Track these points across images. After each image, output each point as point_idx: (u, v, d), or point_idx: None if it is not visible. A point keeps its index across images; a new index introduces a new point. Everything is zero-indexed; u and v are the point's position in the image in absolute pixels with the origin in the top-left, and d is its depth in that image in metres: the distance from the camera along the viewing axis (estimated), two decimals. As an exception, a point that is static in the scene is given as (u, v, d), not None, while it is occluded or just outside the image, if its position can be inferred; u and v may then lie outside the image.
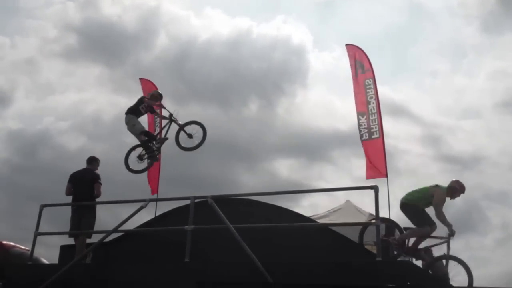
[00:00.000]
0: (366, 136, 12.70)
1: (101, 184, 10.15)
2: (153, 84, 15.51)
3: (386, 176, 11.77)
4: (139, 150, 11.00)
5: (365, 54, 13.49)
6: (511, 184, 37.47)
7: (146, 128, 12.15)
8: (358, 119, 12.95)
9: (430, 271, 8.06)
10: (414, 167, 36.83)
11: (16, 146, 36.78)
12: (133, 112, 10.86)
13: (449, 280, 7.92)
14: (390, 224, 9.10)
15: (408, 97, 44.52)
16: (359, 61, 13.56)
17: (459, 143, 41.40)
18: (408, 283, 6.25)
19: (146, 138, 10.94)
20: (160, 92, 11.62)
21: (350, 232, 9.64)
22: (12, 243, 11.30)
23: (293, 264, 7.58)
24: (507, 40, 44.72)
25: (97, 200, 10.10)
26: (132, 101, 11.08)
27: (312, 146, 35.89)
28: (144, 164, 11.09)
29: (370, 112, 12.85)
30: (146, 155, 10.98)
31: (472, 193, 37.00)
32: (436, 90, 45.21)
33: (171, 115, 10.97)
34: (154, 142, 11.07)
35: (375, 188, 7.79)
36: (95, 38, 38.62)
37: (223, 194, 9.37)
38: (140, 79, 15.93)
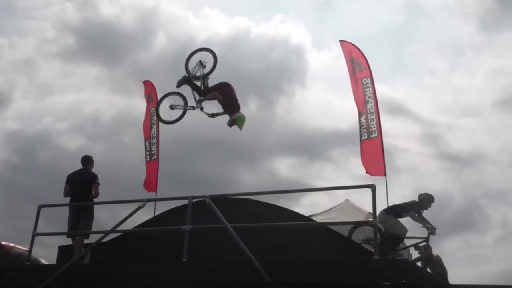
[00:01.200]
0: (365, 136, 12.67)
1: (99, 184, 10.16)
2: (152, 85, 15.58)
3: (385, 175, 11.76)
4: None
5: (361, 52, 13.42)
6: (511, 182, 37.50)
7: None
8: (359, 120, 12.92)
9: (428, 269, 8.10)
10: (414, 165, 36.86)
11: (15, 146, 36.73)
12: None
13: (446, 276, 7.95)
14: None
15: (407, 95, 44.53)
16: (356, 59, 13.51)
17: (458, 141, 41.43)
18: (404, 281, 6.26)
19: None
20: None
21: (345, 230, 9.68)
22: (11, 244, 11.31)
23: (290, 262, 7.57)
24: (506, 38, 44.74)
25: (96, 200, 10.11)
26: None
27: (312, 145, 35.90)
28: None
29: (368, 112, 12.82)
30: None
31: (471, 191, 37.13)
32: (435, 89, 45.17)
33: None
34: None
35: (373, 187, 7.80)
36: (93, 38, 38.58)
37: (221, 194, 9.38)
38: (144, 82, 16.06)
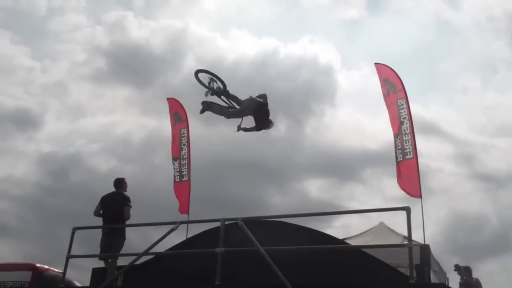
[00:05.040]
0: (400, 157, 12.50)
1: (130, 206, 10.19)
2: (180, 104, 15.63)
3: (420, 196, 11.55)
4: None
5: (396, 74, 13.31)
6: (547, 202, 36.45)
7: None
8: (395, 141, 12.77)
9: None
10: (448, 186, 36.21)
11: (47, 168, 37.34)
12: None
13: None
14: None
15: (439, 114, 43.93)
16: (390, 81, 13.38)
17: (493, 161, 40.55)
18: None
19: None
20: None
21: (383, 254, 9.45)
22: (45, 266, 11.41)
23: (324, 285, 7.43)
24: (538, 54, 43.81)
25: (127, 222, 10.12)
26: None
27: (342, 166, 35.64)
28: None
29: (403, 133, 12.65)
30: None
31: (508, 212, 36.18)
32: (468, 107, 44.52)
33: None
34: None
35: (407, 210, 7.64)
36: (123, 61, 39.30)
37: (253, 216, 9.34)
38: (168, 99, 16.08)
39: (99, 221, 10.24)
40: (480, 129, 43.21)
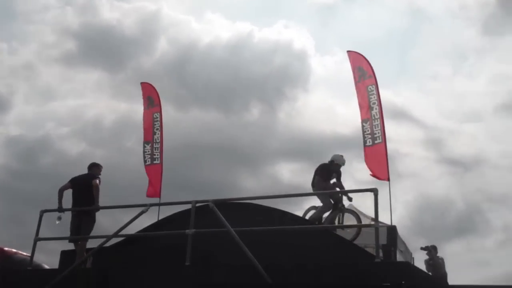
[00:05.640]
0: (369, 142, 12.68)
1: (98, 179, 10.11)
2: (154, 88, 15.57)
3: (388, 180, 11.79)
4: None
5: (367, 60, 13.49)
6: (512, 185, 37.43)
7: None
8: (362, 126, 12.95)
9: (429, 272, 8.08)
10: (416, 170, 36.84)
11: (15, 151, 36.74)
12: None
13: (446, 279, 7.95)
14: None
15: (410, 100, 44.62)
16: (361, 67, 13.56)
17: (461, 146, 41.37)
18: (403, 282, 6.25)
19: None
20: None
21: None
22: (13, 250, 11.30)
23: (292, 265, 7.54)
24: (509, 42, 44.66)
25: (96, 203, 9.95)
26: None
27: (314, 150, 35.90)
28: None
29: (373, 118, 12.83)
30: None
31: (473, 196, 37.05)
32: (438, 93, 45.18)
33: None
34: None
35: (375, 191, 7.79)
36: (94, 43, 38.70)
37: (224, 198, 9.38)
38: (141, 83, 16.00)
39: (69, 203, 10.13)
40: (449, 115, 43.98)
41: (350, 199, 10.85)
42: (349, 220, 10.76)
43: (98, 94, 43.64)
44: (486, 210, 38.57)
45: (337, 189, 11.11)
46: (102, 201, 10.03)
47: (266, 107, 40.43)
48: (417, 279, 7.19)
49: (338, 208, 10.61)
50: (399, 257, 11.28)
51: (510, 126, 41.38)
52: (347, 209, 10.92)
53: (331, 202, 10.53)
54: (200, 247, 8.31)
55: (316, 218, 10.52)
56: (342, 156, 11.34)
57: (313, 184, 10.97)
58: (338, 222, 10.51)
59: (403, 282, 6.31)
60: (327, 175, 10.95)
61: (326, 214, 10.63)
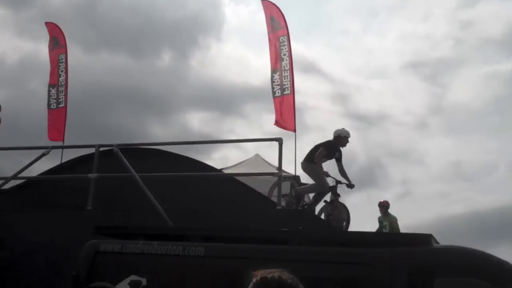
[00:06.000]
0: (278, 93, 12.88)
1: None
2: (59, 29, 14.90)
3: (295, 131, 12.07)
4: None
5: (280, 11, 13.51)
6: (413, 142, 39.54)
7: None
8: (272, 77, 13.11)
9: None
10: (323, 123, 37.92)
11: None
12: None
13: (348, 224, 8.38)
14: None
15: (320, 55, 45.13)
16: (274, 18, 13.59)
17: (366, 102, 42.81)
18: (300, 227, 6.55)
19: None
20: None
21: (257, 184, 9.88)
22: None
23: (196, 210, 7.66)
24: (418, 2, 46.09)
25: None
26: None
27: (225, 100, 35.88)
28: None
29: (283, 69, 12.99)
30: None
31: (375, 150, 38.79)
32: (347, 49, 46.16)
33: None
34: None
35: (280, 140, 8.01)
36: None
37: (129, 143, 9.28)
38: (46, 23, 15.24)
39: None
40: (357, 71, 45.16)
41: (351, 186, 9.47)
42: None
43: (1, 32, 41.05)
44: (387, 165, 40.55)
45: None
46: (2, 143, 9.65)
47: (177, 54, 39.72)
48: (315, 225, 7.53)
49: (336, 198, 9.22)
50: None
51: (414, 84, 43.22)
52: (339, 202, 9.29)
53: (328, 186, 9.10)
54: (103, 191, 8.24)
55: (301, 194, 9.17)
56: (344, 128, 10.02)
57: (307, 161, 9.42)
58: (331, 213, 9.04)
59: (300, 227, 6.59)
60: (332, 154, 9.57)
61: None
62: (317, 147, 9.48)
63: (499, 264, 5.06)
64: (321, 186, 8.98)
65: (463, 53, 41.14)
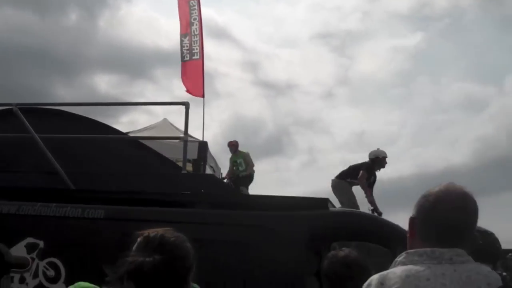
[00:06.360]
0: (187, 57, 12.84)
1: None
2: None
3: (203, 96, 12.13)
4: None
5: (191, -26, 13.40)
6: (319, 112, 40.85)
7: None
8: (181, 41, 13.03)
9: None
10: (233, 90, 38.24)
11: None
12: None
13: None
14: None
15: (232, 21, 45.36)
16: (185, -19, 13.46)
17: (276, 70, 43.55)
18: (202, 190, 6.67)
19: None
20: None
21: (164, 148, 9.88)
22: None
23: (99, 173, 7.58)
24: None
25: None
26: None
27: (134, 63, 35.28)
28: None
29: (192, 33, 12.95)
30: None
31: (283, 119, 39.72)
32: (259, 17, 46.45)
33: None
34: None
35: (186, 105, 8.01)
36: None
37: (30, 103, 8.94)
38: None
39: None
40: (268, 39, 45.61)
41: (380, 215, 8.50)
42: None
43: None
44: (294, 133, 41.62)
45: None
46: None
47: (85, 12, 38.29)
48: (218, 190, 7.65)
49: None
50: (209, 172, 11.86)
51: (322, 54, 44.32)
52: None
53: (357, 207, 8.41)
54: (1, 152, 7.93)
55: None
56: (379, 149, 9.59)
57: (341, 178, 8.98)
58: None
59: (202, 190, 6.71)
60: (369, 177, 9.14)
61: None
62: (354, 169, 9.00)
63: (391, 227, 5.45)
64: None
65: (371, 26, 42.59)
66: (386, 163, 9.14)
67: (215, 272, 5.04)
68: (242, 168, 12.55)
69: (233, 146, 12.66)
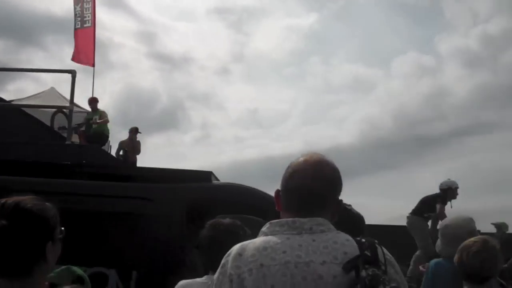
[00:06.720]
0: (78, 25, 12.48)
1: None
2: None
3: (93, 66, 11.87)
4: None
5: None
6: (214, 87, 41.05)
7: None
8: (74, 8, 12.63)
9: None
10: (127, 62, 37.41)
11: None
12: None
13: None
14: None
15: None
16: None
17: (172, 43, 42.99)
18: (84, 161, 6.62)
19: None
20: None
21: (46, 116, 9.62)
22: None
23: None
24: None
25: None
26: None
27: (23, 29, 33.39)
28: None
29: (85, 1, 12.57)
30: None
31: (178, 93, 39.54)
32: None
33: None
34: None
35: (73, 73, 7.84)
36: None
37: None
38: None
39: None
40: (165, 11, 44.88)
41: None
42: None
43: None
44: (188, 108, 41.50)
45: None
46: None
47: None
48: (102, 160, 7.59)
49: None
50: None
51: (219, 30, 44.37)
52: None
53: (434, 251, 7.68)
54: None
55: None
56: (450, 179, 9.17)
57: (416, 215, 8.63)
58: None
59: (84, 161, 6.63)
60: None
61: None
62: (426, 202, 8.75)
63: (267, 200, 5.72)
64: (425, 248, 8.02)
65: (268, 4, 43.12)
66: (457, 194, 8.92)
67: (94, 244, 5.07)
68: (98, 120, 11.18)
69: (93, 102, 11.43)
